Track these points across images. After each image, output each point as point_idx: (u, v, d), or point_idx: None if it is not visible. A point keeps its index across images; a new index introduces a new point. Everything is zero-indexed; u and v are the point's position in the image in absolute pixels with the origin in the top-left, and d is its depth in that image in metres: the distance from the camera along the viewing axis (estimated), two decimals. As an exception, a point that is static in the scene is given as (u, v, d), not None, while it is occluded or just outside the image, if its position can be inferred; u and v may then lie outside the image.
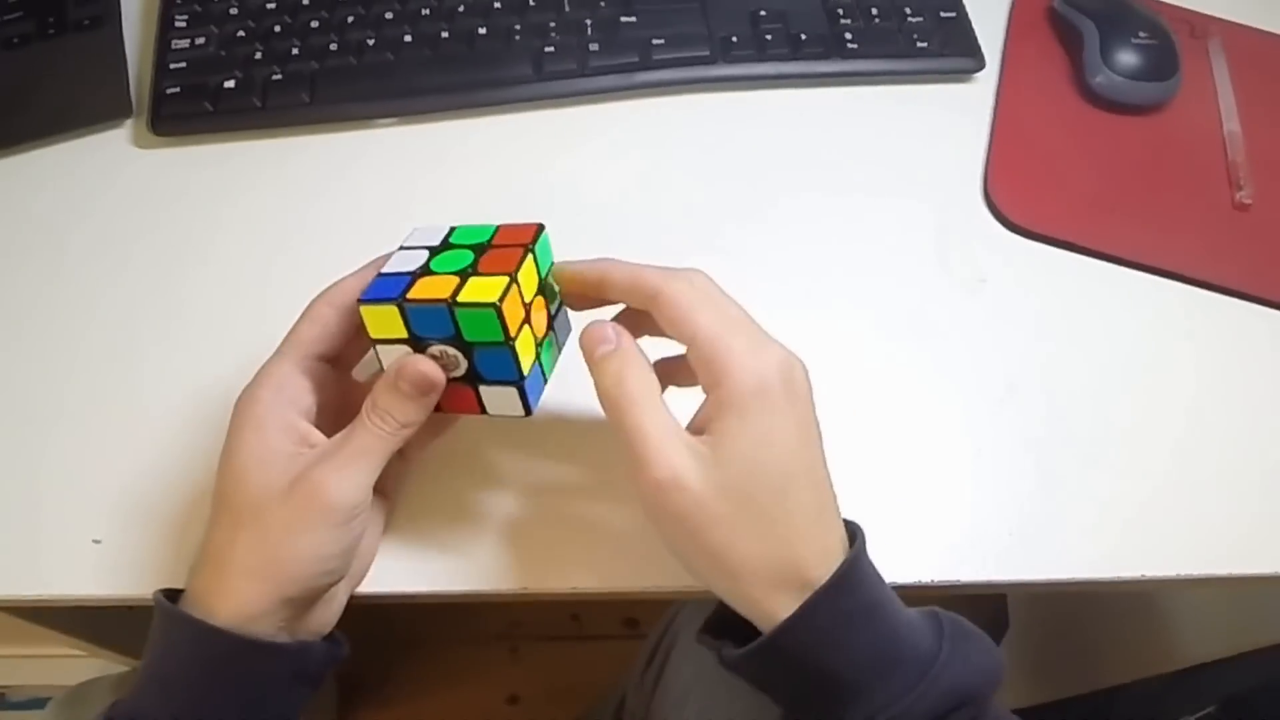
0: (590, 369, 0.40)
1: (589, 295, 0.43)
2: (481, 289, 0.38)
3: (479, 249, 0.41)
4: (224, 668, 0.39)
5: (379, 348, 0.41)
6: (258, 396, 0.41)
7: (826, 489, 0.40)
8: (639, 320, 0.42)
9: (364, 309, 0.40)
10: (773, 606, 0.37)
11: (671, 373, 0.43)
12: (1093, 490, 0.51)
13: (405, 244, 0.42)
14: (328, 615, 0.44)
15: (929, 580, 0.48)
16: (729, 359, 0.38)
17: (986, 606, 1.30)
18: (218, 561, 0.40)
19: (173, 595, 0.41)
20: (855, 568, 0.38)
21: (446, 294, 0.38)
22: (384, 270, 0.41)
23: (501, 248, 0.40)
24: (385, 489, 0.47)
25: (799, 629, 0.37)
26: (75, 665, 0.85)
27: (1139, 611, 0.95)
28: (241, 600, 0.39)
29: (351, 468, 0.39)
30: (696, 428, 0.39)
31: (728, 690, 0.64)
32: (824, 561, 0.38)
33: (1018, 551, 0.49)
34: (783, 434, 0.38)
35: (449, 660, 1.35)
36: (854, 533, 0.40)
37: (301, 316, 0.42)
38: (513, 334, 0.38)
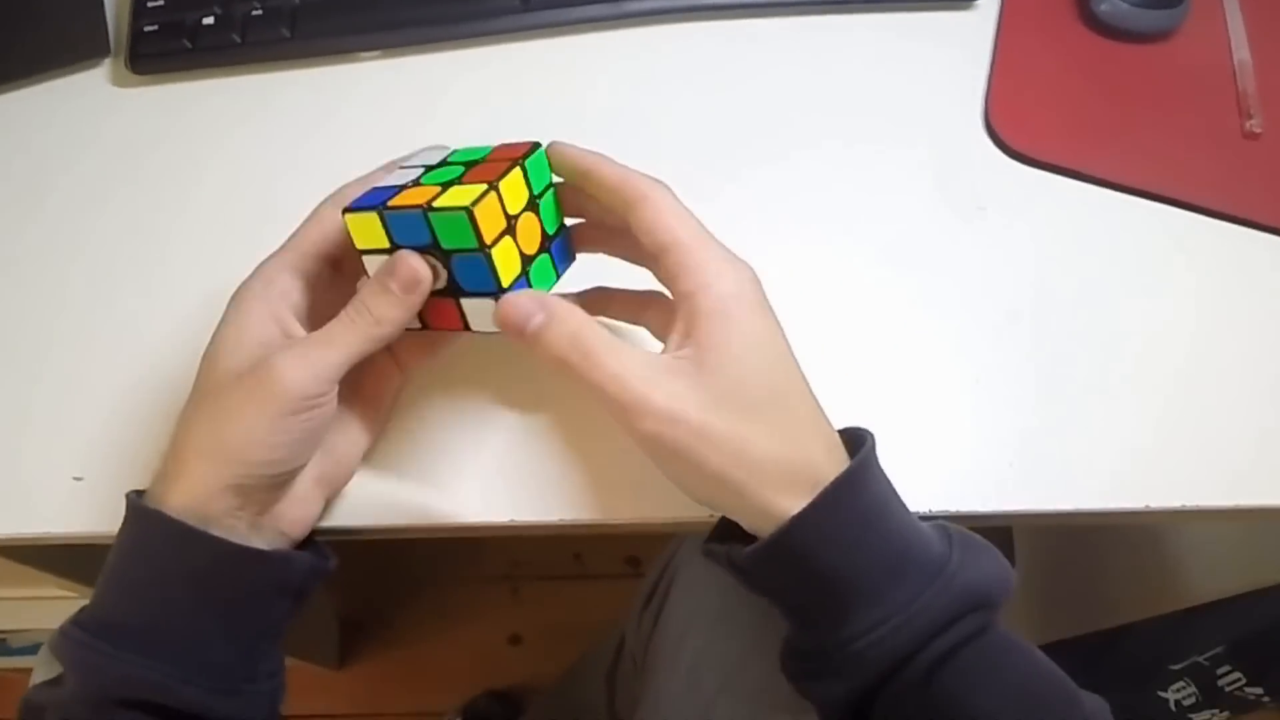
0: (531, 345, 0.38)
1: (570, 187, 0.42)
2: (458, 195, 0.38)
3: (471, 165, 0.41)
4: (202, 574, 0.39)
5: (365, 259, 0.41)
6: (247, 286, 0.41)
7: (812, 394, 0.39)
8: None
9: (347, 217, 0.40)
10: (784, 508, 0.37)
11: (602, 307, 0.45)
12: (1094, 420, 0.50)
13: (404, 164, 0.42)
14: (298, 514, 0.43)
15: (928, 510, 0.48)
16: (707, 265, 0.38)
17: (992, 542, 1.30)
18: (175, 442, 0.40)
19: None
20: (867, 465, 0.38)
21: (423, 200, 0.38)
22: (377, 185, 0.41)
23: (492, 161, 0.41)
24: (378, 398, 0.46)
25: (812, 522, 0.36)
26: (74, 609, 0.85)
27: (1146, 549, 0.95)
28: (191, 481, 0.38)
29: (312, 355, 0.39)
30: (675, 343, 0.38)
31: (726, 628, 0.64)
32: (831, 459, 0.38)
33: (1018, 482, 0.48)
34: (768, 335, 0.39)
35: (451, 600, 1.37)
36: (864, 436, 0.40)
37: (307, 218, 0.43)
38: (488, 241, 0.38)
